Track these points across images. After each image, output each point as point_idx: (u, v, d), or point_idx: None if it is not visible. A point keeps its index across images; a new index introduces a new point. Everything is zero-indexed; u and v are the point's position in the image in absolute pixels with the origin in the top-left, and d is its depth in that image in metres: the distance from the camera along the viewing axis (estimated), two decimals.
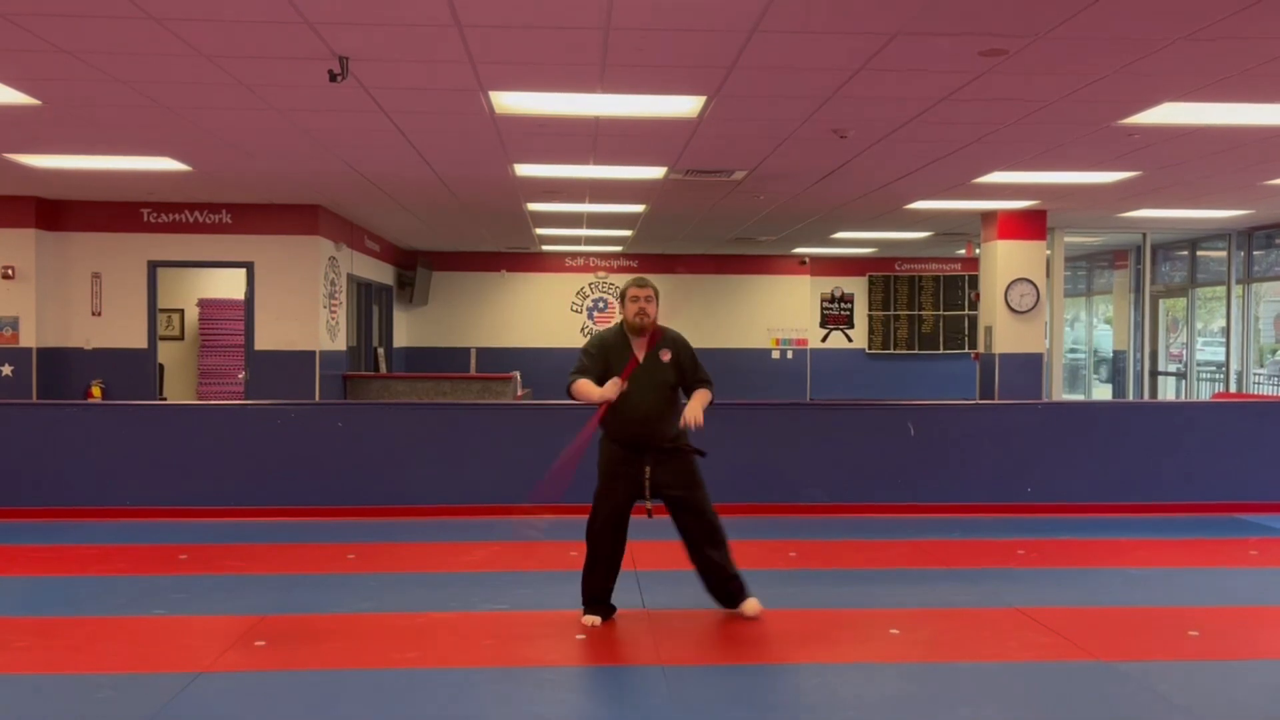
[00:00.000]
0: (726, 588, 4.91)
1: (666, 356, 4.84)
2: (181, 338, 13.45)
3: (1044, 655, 4.39)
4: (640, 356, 4.81)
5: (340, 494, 7.33)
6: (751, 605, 4.89)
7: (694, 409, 4.70)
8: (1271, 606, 5.25)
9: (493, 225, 13.19)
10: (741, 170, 8.65)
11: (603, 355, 4.82)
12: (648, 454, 4.75)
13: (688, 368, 4.88)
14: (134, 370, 10.81)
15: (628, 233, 13.99)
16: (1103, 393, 15.93)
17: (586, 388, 4.71)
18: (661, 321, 4.95)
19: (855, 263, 17.86)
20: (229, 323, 12.84)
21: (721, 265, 17.36)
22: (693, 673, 4.16)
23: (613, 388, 4.65)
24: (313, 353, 11.03)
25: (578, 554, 5.95)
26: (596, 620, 4.77)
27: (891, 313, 18.02)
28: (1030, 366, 11.41)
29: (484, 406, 8.18)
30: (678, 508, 4.84)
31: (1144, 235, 13.07)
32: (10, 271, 10.33)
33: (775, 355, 17.64)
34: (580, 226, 13.28)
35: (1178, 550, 6.49)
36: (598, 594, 4.84)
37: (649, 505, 4.79)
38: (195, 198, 10.63)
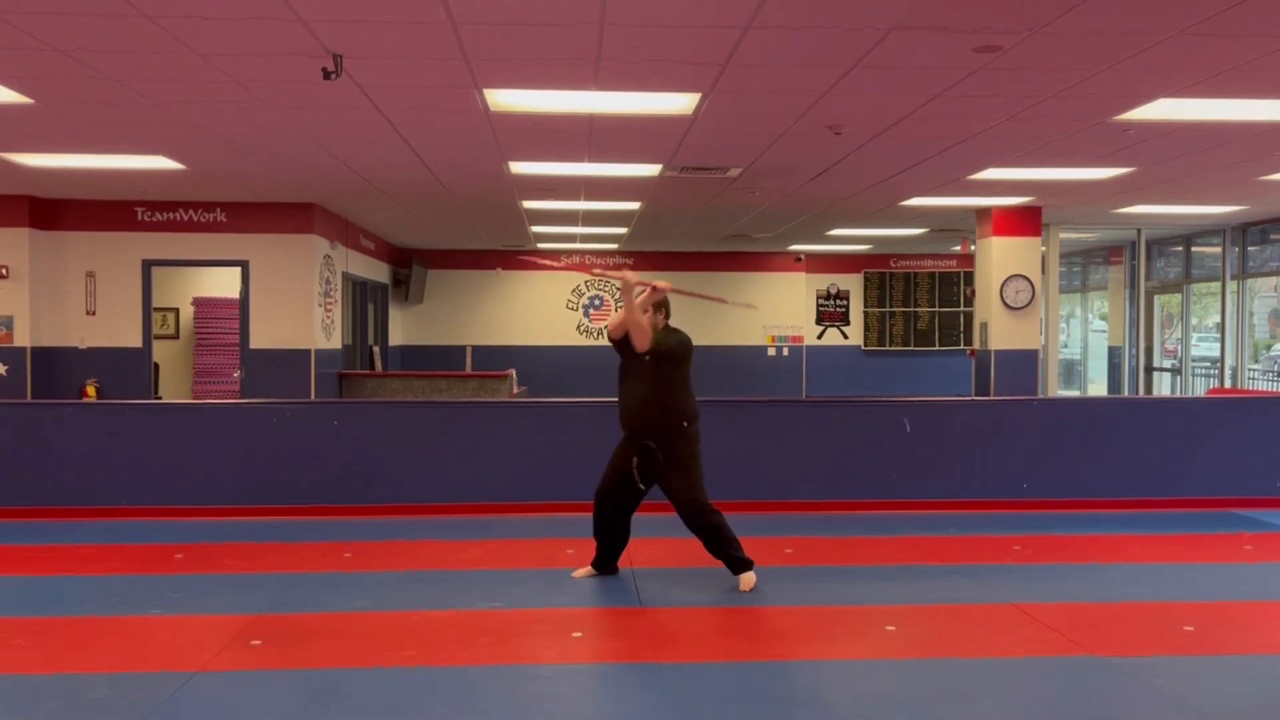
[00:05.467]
0: (727, 565, 5.36)
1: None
2: (177, 336, 13.44)
3: (1040, 651, 4.39)
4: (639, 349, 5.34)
5: (336, 493, 7.32)
6: (745, 580, 5.28)
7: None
8: (1267, 601, 5.26)
9: (488, 223, 13.18)
10: (736, 167, 8.65)
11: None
12: (638, 442, 5.28)
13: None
14: (129, 369, 10.80)
15: (623, 230, 13.98)
16: (1097, 388, 15.95)
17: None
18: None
19: (851, 259, 17.86)
20: (224, 321, 12.83)
21: (717, 262, 17.36)
22: (689, 670, 4.16)
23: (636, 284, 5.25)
24: (308, 351, 11.02)
25: (575, 551, 5.98)
26: (585, 572, 5.49)
27: (887, 309, 18.03)
28: (1026, 363, 11.43)
29: (480, 404, 8.17)
30: (668, 497, 5.33)
31: (1139, 231, 13.09)
32: (4, 271, 10.31)
33: (771, 352, 17.64)
34: (576, 224, 13.27)
35: (1173, 545, 6.50)
36: (597, 552, 5.50)
37: (639, 484, 5.31)
38: (190, 196, 10.61)
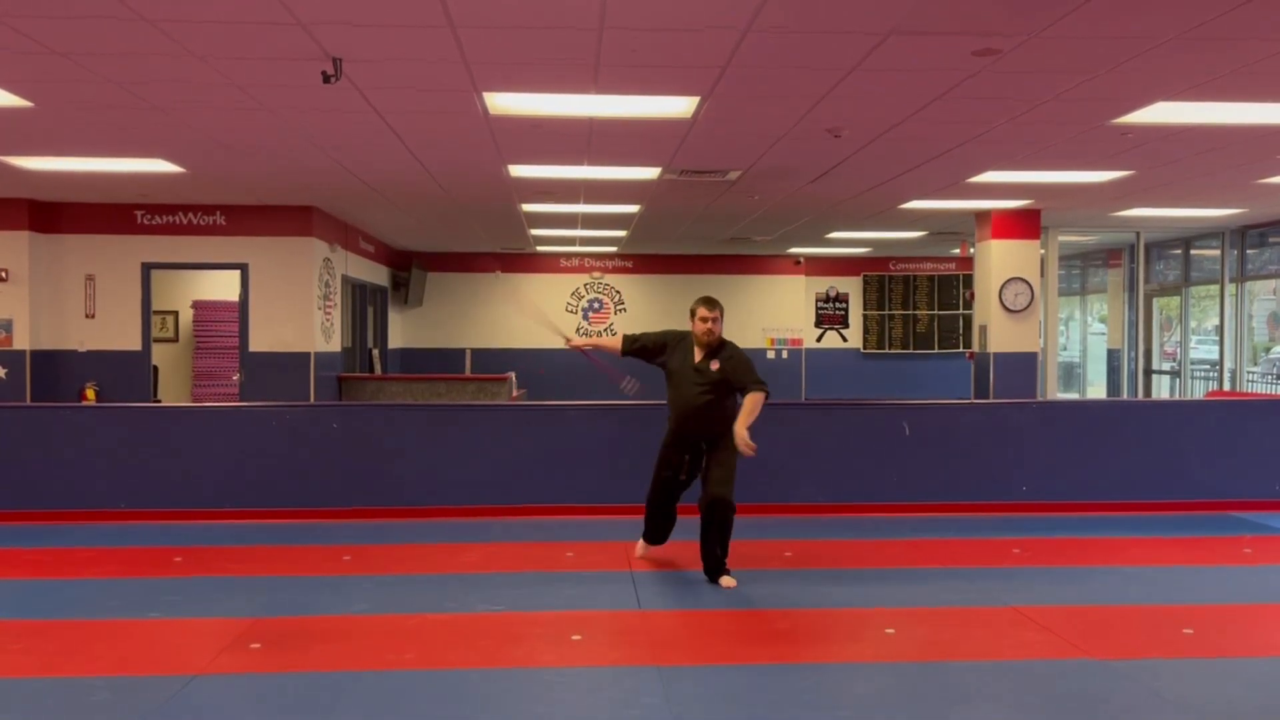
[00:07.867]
0: (711, 565, 5.56)
1: (715, 366, 5.54)
2: (176, 340, 13.43)
3: (1039, 654, 4.40)
4: (696, 360, 5.59)
5: (336, 495, 7.32)
6: (726, 580, 5.50)
7: (740, 425, 5.26)
8: (1266, 604, 5.27)
9: (488, 226, 13.18)
10: (736, 170, 8.65)
11: (666, 344, 5.75)
12: (690, 445, 5.57)
13: (735, 374, 5.50)
14: (128, 372, 10.79)
15: (622, 233, 13.99)
16: (1096, 391, 15.96)
17: (606, 341, 6.03)
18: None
19: (850, 262, 17.87)
20: (223, 324, 12.82)
21: (716, 265, 17.37)
22: (688, 673, 4.16)
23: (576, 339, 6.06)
24: (307, 354, 11.02)
25: (574, 554, 6.00)
26: (644, 547, 5.98)
27: (886, 312, 18.04)
28: (1025, 365, 11.43)
29: (479, 407, 8.17)
30: (702, 485, 5.55)
31: (1138, 234, 13.10)
32: (4, 274, 10.31)
33: (770, 355, 17.64)
34: (575, 227, 13.28)
35: (1172, 548, 6.51)
36: (650, 533, 5.94)
37: (683, 476, 5.69)
38: (189, 199, 10.61)
